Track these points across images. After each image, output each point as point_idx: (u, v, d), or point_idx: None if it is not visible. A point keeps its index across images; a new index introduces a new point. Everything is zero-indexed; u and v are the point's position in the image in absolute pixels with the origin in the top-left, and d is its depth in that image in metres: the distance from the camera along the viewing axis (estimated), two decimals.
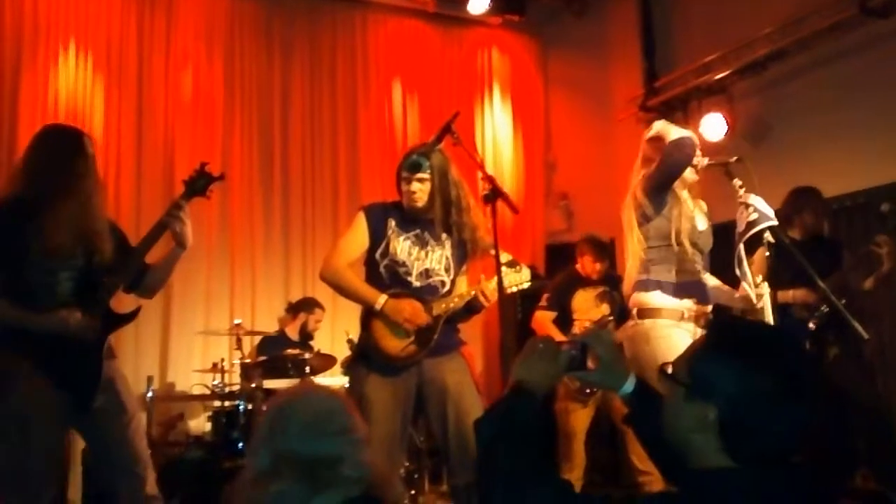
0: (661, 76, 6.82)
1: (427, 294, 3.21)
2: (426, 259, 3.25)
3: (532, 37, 7.94)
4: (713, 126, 5.80)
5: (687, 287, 3.26)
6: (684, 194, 3.29)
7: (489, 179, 2.99)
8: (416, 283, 3.21)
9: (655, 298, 3.26)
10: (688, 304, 3.25)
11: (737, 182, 3.20)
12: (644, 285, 3.30)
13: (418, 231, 3.26)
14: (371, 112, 7.11)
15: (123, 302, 3.25)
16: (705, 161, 3.32)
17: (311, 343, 5.88)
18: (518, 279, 3.29)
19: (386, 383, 3.12)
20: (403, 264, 3.20)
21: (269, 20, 6.83)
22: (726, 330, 1.54)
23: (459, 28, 7.67)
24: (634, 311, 3.34)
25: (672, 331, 3.18)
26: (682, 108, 6.49)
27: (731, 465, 1.40)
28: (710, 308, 3.33)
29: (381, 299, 3.11)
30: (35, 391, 2.78)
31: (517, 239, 7.26)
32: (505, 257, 3.09)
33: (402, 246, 3.21)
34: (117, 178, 6.03)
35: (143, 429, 3.15)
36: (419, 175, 3.20)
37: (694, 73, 6.33)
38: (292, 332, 5.90)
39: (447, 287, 3.29)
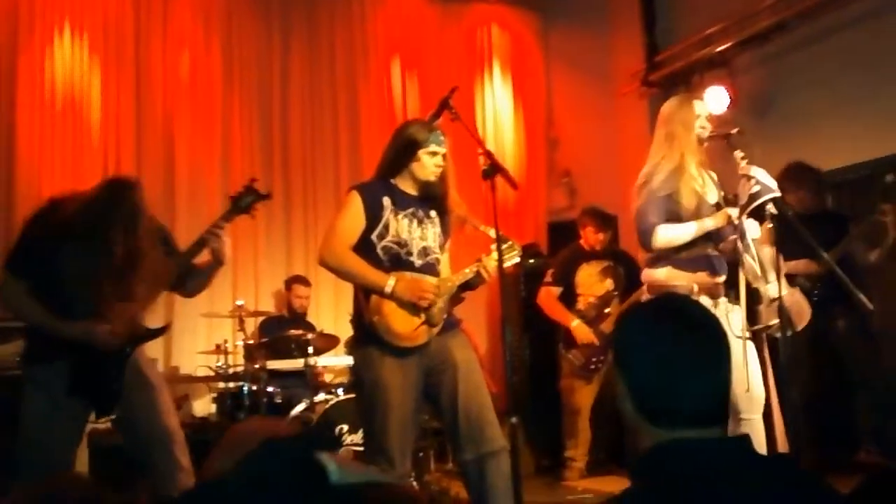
0: (662, 50, 6.75)
1: (427, 272, 3.19)
2: (424, 237, 3.21)
3: (532, 12, 7.85)
4: (715, 99, 5.73)
5: (698, 260, 3.24)
6: (692, 169, 3.26)
7: (488, 155, 2.97)
8: (418, 262, 3.17)
9: (666, 274, 3.25)
10: (700, 278, 3.23)
11: (738, 154, 3.18)
12: (655, 261, 3.29)
13: (413, 209, 3.21)
14: (371, 91, 7.05)
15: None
16: (708, 133, 3.30)
17: (309, 321, 5.89)
18: (510, 255, 3.27)
19: (399, 366, 3.07)
20: (405, 244, 3.15)
21: None
22: (638, 305, 1.62)
23: (458, 5, 7.59)
24: (645, 287, 3.35)
25: None
26: (684, 82, 6.42)
27: (663, 438, 1.39)
28: (721, 279, 3.30)
29: (390, 282, 3.05)
30: (60, 394, 2.90)
31: (519, 217, 7.23)
32: (494, 233, 3.07)
33: (401, 225, 3.16)
34: (117, 162, 6.00)
35: (170, 402, 3.19)
36: (444, 149, 3.19)
37: (695, 46, 6.25)
38: (287, 311, 6.01)
39: (440, 264, 3.28)
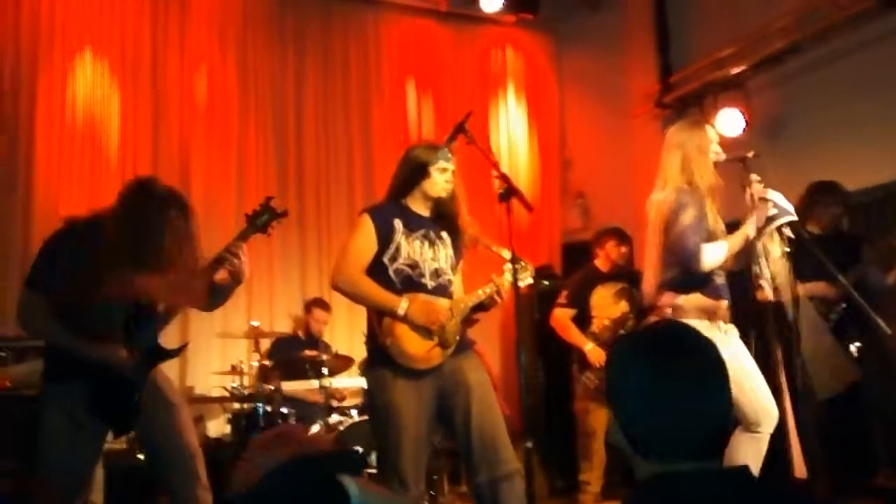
0: (676, 71, 6.77)
1: (439, 294, 3.19)
2: (436, 259, 3.22)
3: (546, 34, 7.90)
4: (730, 121, 5.74)
5: (721, 287, 3.23)
6: (707, 203, 3.26)
7: (504, 178, 2.99)
8: (430, 284, 3.18)
9: (694, 298, 3.20)
10: (720, 305, 3.21)
11: (755, 177, 3.17)
12: (681, 284, 3.23)
13: (425, 230, 3.23)
14: (385, 112, 7.10)
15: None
16: (723, 157, 3.30)
17: (325, 342, 5.89)
18: (523, 275, 3.27)
19: (412, 388, 3.07)
20: (417, 266, 3.16)
21: (282, 20, 6.83)
22: (629, 335, 1.60)
23: (472, 27, 7.64)
24: (668, 311, 3.25)
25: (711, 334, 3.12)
26: (698, 104, 6.43)
27: (657, 471, 1.37)
28: (725, 304, 3.29)
29: (402, 304, 3.06)
30: (79, 412, 2.90)
31: (533, 238, 7.24)
32: (507, 253, 3.07)
33: (413, 247, 3.18)
34: None
35: (189, 420, 3.19)
36: (452, 166, 3.22)
37: (709, 68, 6.27)
38: (303, 333, 5.99)
39: (452, 285, 3.29)
